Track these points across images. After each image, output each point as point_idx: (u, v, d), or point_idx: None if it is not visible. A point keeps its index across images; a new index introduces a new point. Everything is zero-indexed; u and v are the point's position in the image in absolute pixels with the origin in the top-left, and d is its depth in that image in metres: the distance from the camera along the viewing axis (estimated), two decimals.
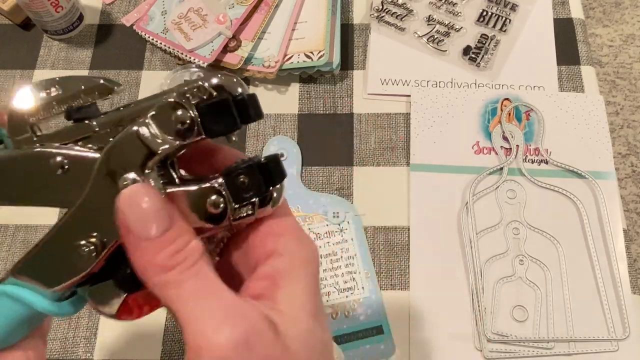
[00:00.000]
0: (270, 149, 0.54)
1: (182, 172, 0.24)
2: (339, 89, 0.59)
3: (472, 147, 0.55)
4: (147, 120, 0.22)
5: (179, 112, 0.22)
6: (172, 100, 0.22)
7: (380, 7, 0.62)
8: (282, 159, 0.51)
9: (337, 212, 0.50)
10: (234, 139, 0.24)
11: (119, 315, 0.24)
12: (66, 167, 0.23)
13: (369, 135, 0.56)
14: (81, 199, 0.23)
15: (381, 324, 0.47)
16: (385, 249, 0.51)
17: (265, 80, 0.59)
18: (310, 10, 0.60)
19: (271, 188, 0.23)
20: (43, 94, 0.25)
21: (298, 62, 0.57)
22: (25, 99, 0.25)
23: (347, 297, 0.47)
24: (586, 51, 0.60)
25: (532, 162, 0.54)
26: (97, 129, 0.24)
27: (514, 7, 0.61)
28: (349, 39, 0.61)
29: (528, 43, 0.60)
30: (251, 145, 0.56)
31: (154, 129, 0.22)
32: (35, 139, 0.24)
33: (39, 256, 0.23)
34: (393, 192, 0.54)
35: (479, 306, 0.48)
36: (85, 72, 0.60)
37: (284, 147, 0.54)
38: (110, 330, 0.49)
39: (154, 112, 0.22)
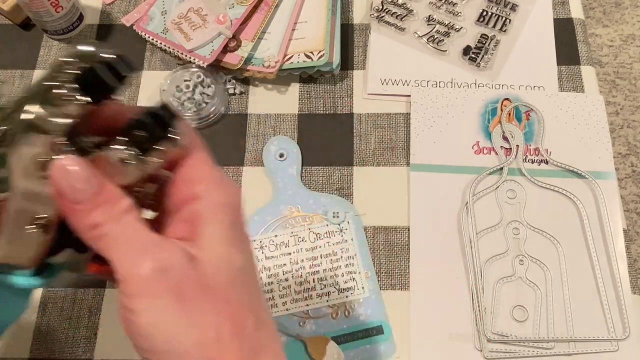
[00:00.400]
0: (270, 149, 0.54)
1: (96, 138, 0.26)
2: (339, 89, 0.59)
3: (472, 147, 0.55)
4: (32, 109, 0.25)
5: (56, 91, 0.25)
6: (46, 83, 0.25)
7: (380, 7, 0.62)
8: (282, 159, 0.51)
9: (337, 212, 0.50)
10: (120, 98, 0.27)
11: (87, 272, 0.28)
12: None
13: (369, 135, 0.56)
14: (11, 196, 0.25)
15: (381, 324, 0.47)
16: (385, 249, 0.51)
17: (265, 80, 0.59)
18: (310, 10, 0.60)
19: (170, 130, 0.26)
20: None
21: (298, 62, 0.57)
22: None
23: (347, 297, 0.47)
24: (586, 51, 0.60)
25: (532, 162, 0.54)
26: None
27: (514, 7, 0.61)
28: (349, 39, 0.61)
29: (528, 43, 0.60)
30: (251, 144, 0.56)
31: (43, 114, 0.24)
32: None
33: (4, 247, 0.26)
34: (393, 192, 0.54)
35: (479, 306, 0.48)
36: None
37: (284, 147, 0.54)
38: (110, 330, 0.49)
39: (37, 98, 0.25)
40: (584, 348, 0.47)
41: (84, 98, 0.25)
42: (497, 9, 0.61)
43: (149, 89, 0.59)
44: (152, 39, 0.59)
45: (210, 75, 0.57)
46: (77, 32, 0.62)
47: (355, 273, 0.48)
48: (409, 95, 0.57)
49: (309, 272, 0.48)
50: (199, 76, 0.57)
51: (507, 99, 0.56)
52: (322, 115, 0.57)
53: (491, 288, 0.49)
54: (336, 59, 0.57)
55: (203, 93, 0.56)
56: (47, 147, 0.24)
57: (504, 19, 0.61)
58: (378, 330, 0.47)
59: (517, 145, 0.54)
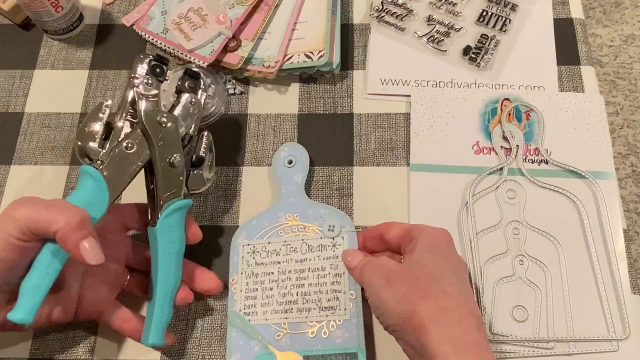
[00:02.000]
0: (280, 155, 0.53)
1: None
2: (339, 89, 0.59)
3: (472, 147, 0.55)
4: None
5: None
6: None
7: (380, 7, 0.62)
8: (290, 165, 0.51)
9: (333, 226, 0.49)
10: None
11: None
12: None
13: (369, 135, 0.56)
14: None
15: (356, 351, 0.45)
16: None
17: (265, 80, 0.59)
18: (310, 10, 0.60)
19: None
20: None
21: (298, 62, 0.57)
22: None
23: (326, 316, 0.46)
24: (586, 51, 0.60)
25: (532, 162, 0.54)
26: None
27: (514, 7, 0.61)
28: (349, 39, 0.61)
29: (528, 43, 0.60)
30: (251, 144, 0.56)
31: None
32: None
33: None
34: (393, 192, 0.54)
35: (479, 306, 0.48)
36: (85, 72, 0.60)
37: (294, 154, 0.53)
38: (110, 330, 0.49)
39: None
40: (584, 348, 0.47)
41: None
42: (497, 9, 0.61)
43: None
44: (152, 39, 0.59)
45: (210, 75, 0.57)
46: (77, 32, 0.62)
47: (340, 292, 0.47)
48: (409, 95, 0.57)
49: (294, 285, 0.47)
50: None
51: (507, 99, 0.56)
52: (322, 115, 0.57)
53: (491, 288, 0.49)
54: (336, 59, 0.57)
55: (203, 93, 0.56)
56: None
57: (504, 19, 0.61)
58: (352, 358, 0.44)
59: (517, 145, 0.54)
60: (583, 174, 0.52)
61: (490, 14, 0.61)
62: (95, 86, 0.60)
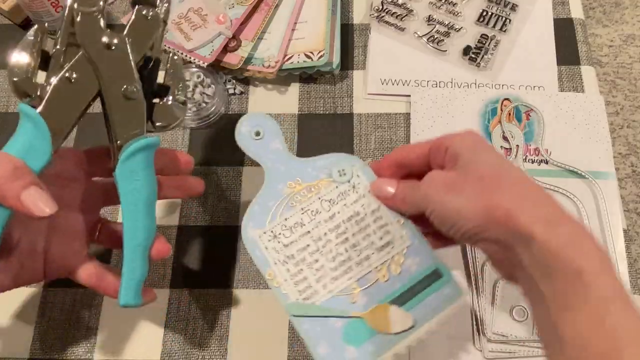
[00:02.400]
0: (242, 131, 0.46)
1: None
2: (339, 89, 0.59)
3: None
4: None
5: None
6: None
7: (380, 7, 0.62)
8: (259, 137, 0.45)
9: (343, 169, 0.44)
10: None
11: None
12: None
13: (369, 135, 0.56)
14: None
15: (436, 267, 0.41)
16: None
17: (265, 80, 0.59)
18: (310, 10, 0.60)
19: None
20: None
21: (298, 62, 0.57)
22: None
23: (388, 253, 0.41)
24: (586, 51, 0.60)
25: (532, 162, 0.54)
26: None
27: (514, 7, 0.61)
28: (349, 39, 0.61)
29: (528, 43, 0.60)
30: None
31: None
32: None
33: None
34: None
35: (479, 306, 0.48)
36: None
37: (258, 123, 0.46)
38: (110, 330, 0.49)
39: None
40: None
41: None
42: (497, 9, 0.61)
43: None
44: None
45: (210, 75, 0.57)
46: None
47: (387, 225, 0.42)
48: (409, 95, 0.57)
49: (337, 243, 0.42)
50: (199, 76, 0.57)
51: (507, 99, 0.56)
52: (322, 115, 0.57)
53: (491, 288, 0.49)
54: (336, 59, 0.57)
55: (203, 93, 0.56)
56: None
57: (504, 19, 0.61)
58: (436, 275, 0.40)
59: (517, 145, 0.54)
60: (583, 174, 0.52)
61: (490, 14, 0.61)
62: None
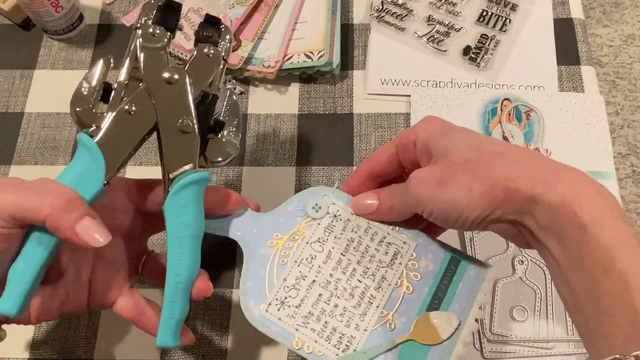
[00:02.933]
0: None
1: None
2: (339, 89, 0.59)
3: None
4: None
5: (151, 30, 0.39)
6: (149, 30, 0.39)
7: (380, 7, 0.62)
8: (216, 227, 0.41)
9: (316, 204, 0.41)
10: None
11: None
12: None
13: (369, 135, 0.56)
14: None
15: (451, 255, 0.39)
16: None
17: (265, 80, 0.59)
18: (310, 10, 0.60)
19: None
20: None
21: (298, 62, 0.57)
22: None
23: (400, 264, 0.39)
24: (586, 51, 0.60)
25: None
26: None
27: (514, 7, 0.61)
28: (349, 39, 0.61)
29: (528, 43, 0.60)
30: (251, 144, 0.56)
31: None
32: None
33: None
34: None
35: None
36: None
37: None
38: (110, 330, 0.49)
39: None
40: (583, 348, 0.47)
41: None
42: (497, 9, 0.61)
43: None
44: None
45: None
46: (77, 32, 0.62)
47: (385, 237, 0.40)
48: (409, 95, 0.57)
49: (348, 278, 0.39)
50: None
51: (507, 99, 0.56)
52: (322, 115, 0.57)
53: (491, 288, 0.49)
54: (336, 59, 0.57)
55: None
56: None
57: (504, 19, 0.61)
58: (454, 262, 0.39)
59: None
60: None
61: (490, 14, 0.61)
62: None
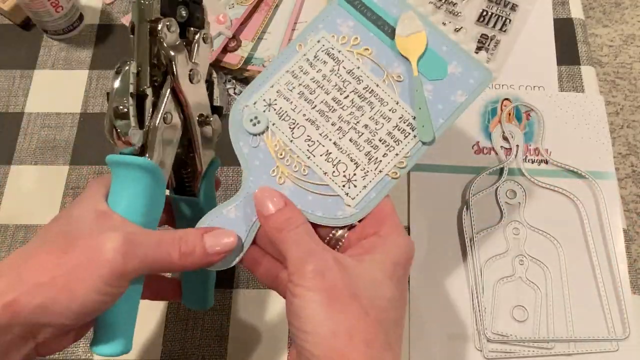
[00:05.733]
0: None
1: None
2: None
3: (472, 147, 0.55)
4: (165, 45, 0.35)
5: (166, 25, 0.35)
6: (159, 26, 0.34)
7: None
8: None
9: (252, 120, 0.37)
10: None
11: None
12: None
13: None
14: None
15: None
16: None
17: None
18: (310, 10, 0.60)
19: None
20: None
21: None
22: None
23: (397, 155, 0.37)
24: (586, 51, 0.60)
25: (532, 162, 0.54)
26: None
27: (514, 7, 0.61)
28: None
29: (528, 43, 0.60)
30: None
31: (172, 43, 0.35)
32: None
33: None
34: (393, 192, 0.53)
35: (479, 306, 0.48)
36: (85, 72, 0.60)
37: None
38: None
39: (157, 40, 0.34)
40: (583, 348, 0.47)
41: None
42: (497, 9, 0.61)
43: None
44: None
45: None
46: (77, 32, 0.62)
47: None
48: None
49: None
50: None
51: (507, 99, 0.56)
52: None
53: (491, 288, 0.49)
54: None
55: None
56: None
57: (504, 19, 0.61)
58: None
59: (517, 145, 0.54)
60: (583, 174, 0.52)
61: (490, 14, 0.61)
62: (95, 86, 0.60)
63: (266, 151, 0.37)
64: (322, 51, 0.38)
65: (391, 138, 0.37)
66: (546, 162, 0.54)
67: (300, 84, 0.38)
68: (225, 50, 0.57)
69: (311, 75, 0.38)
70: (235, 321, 0.49)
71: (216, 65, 0.58)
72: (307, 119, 0.37)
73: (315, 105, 0.37)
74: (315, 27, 0.39)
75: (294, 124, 0.37)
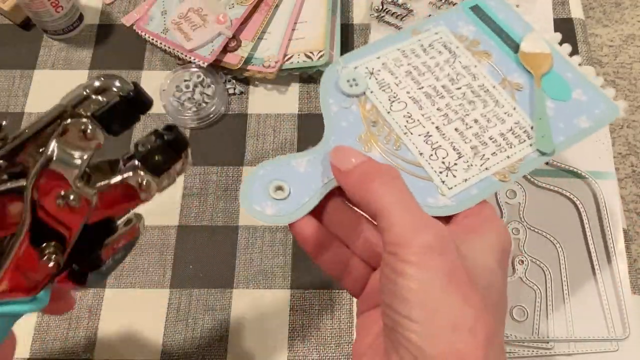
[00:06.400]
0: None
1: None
2: None
3: None
4: (56, 145, 0.26)
5: (82, 127, 0.26)
6: (69, 121, 0.27)
7: (380, 7, 0.62)
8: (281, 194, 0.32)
9: (349, 81, 0.36)
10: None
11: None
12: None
13: None
14: (26, 226, 0.26)
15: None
16: None
17: (265, 80, 0.59)
18: (310, 10, 0.60)
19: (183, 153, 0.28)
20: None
21: (298, 62, 0.57)
22: None
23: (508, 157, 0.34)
24: (586, 51, 0.60)
25: None
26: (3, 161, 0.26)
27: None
28: (349, 39, 0.61)
29: None
30: (251, 144, 0.56)
31: (67, 150, 0.26)
32: None
33: (13, 276, 0.26)
34: None
35: None
36: (85, 72, 0.60)
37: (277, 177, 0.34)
38: (110, 330, 0.49)
39: (59, 133, 0.27)
40: (583, 348, 0.47)
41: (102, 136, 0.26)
42: None
43: (149, 89, 0.59)
44: (152, 39, 0.59)
45: (210, 75, 0.57)
46: (77, 32, 0.62)
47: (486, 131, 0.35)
48: None
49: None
50: (199, 76, 0.57)
51: None
52: (322, 115, 0.57)
53: None
54: (336, 59, 0.57)
55: (203, 93, 0.56)
56: (69, 180, 0.26)
57: None
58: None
59: None
60: (583, 174, 0.52)
61: None
62: None
63: (357, 115, 0.35)
64: (439, 42, 0.38)
65: (503, 139, 0.35)
66: (546, 162, 0.54)
67: (409, 64, 0.37)
68: (225, 50, 0.57)
69: (423, 59, 0.37)
70: (235, 321, 0.49)
71: (216, 65, 0.58)
72: (410, 97, 0.36)
73: (422, 87, 0.36)
74: (436, 21, 0.39)
75: (394, 97, 0.35)
